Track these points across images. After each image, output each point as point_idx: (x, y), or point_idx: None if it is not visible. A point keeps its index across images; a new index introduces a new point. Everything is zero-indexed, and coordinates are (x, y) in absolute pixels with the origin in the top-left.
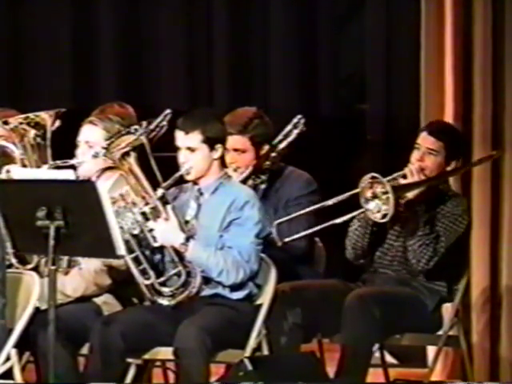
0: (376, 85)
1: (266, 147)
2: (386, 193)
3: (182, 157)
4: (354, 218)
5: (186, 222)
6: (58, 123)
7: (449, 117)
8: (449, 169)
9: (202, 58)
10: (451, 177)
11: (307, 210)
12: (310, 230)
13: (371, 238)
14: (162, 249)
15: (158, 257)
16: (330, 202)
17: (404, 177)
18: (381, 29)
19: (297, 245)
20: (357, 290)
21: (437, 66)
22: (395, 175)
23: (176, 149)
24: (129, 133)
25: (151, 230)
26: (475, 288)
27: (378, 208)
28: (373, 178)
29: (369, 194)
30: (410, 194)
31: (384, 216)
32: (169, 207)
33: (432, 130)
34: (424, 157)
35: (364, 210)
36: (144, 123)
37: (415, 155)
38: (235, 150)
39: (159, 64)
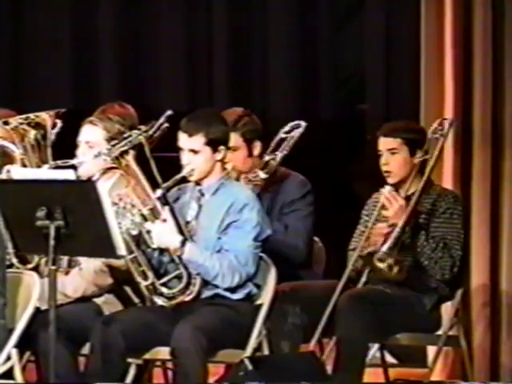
0: (376, 85)
1: (258, 144)
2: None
3: (185, 158)
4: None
5: (187, 223)
6: (59, 124)
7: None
8: (416, 160)
9: (202, 58)
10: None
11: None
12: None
13: None
14: (162, 250)
15: (158, 258)
16: None
17: (383, 207)
18: (381, 29)
19: (296, 248)
20: (348, 291)
21: (437, 66)
22: (376, 211)
23: (178, 149)
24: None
25: (149, 232)
26: (475, 288)
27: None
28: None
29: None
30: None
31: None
32: (166, 209)
33: (385, 132)
34: (388, 159)
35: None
36: (148, 126)
37: (381, 161)
38: (228, 148)
39: (159, 64)
